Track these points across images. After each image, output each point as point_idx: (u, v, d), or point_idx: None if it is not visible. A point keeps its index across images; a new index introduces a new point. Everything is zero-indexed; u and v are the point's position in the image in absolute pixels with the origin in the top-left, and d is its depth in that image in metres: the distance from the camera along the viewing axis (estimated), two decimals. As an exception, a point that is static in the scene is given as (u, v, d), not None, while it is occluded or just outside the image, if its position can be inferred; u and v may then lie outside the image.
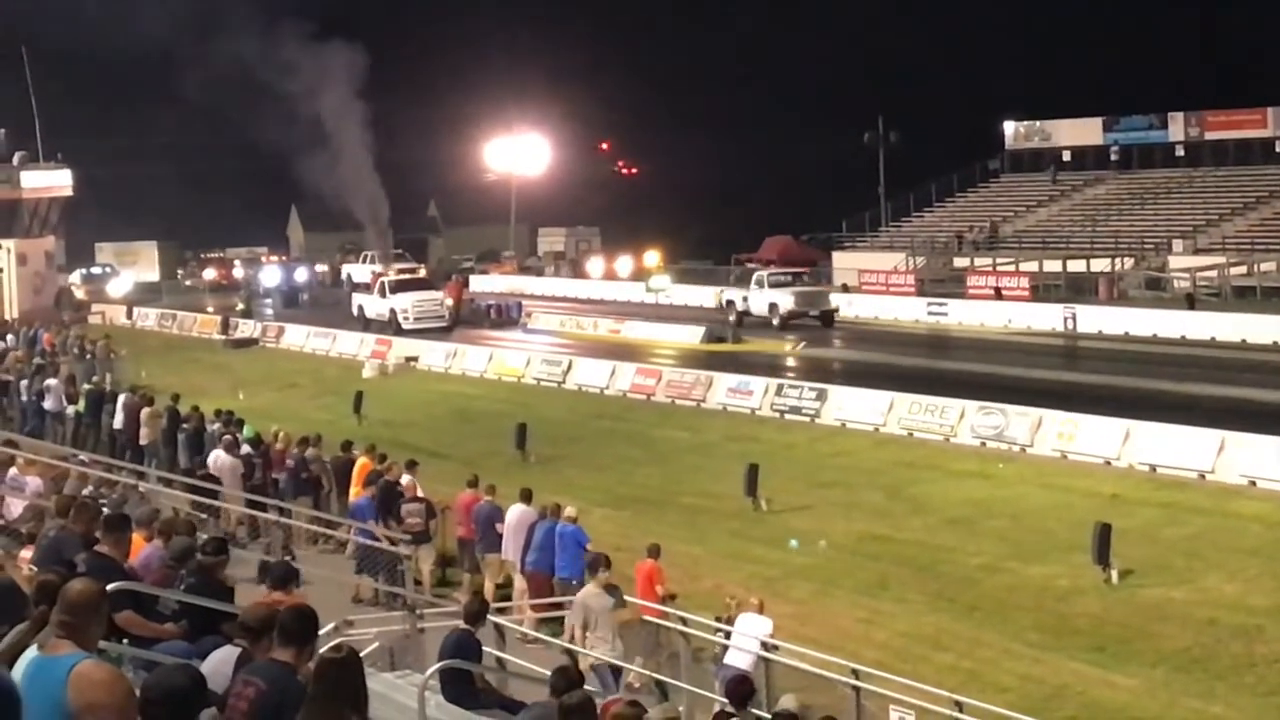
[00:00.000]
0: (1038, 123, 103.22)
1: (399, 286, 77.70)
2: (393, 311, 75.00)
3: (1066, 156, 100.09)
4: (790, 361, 59.76)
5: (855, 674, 20.23)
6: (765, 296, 71.30)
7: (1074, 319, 65.25)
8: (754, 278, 74.66)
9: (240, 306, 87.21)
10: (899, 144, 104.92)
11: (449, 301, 77.92)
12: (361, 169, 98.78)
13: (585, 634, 20.80)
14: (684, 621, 22.90)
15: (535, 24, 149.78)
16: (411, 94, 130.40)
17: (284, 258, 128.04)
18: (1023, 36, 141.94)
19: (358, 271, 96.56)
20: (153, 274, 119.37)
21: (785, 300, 70.39)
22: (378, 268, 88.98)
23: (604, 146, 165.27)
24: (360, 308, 78.71)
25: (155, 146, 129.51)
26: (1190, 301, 67.28)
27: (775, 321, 69.50)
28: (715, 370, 52.36)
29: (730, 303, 73.72)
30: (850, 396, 45.94)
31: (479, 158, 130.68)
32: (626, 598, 23.22)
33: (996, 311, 70.43)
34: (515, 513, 27.96)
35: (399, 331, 72.07)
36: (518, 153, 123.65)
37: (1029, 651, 25.42)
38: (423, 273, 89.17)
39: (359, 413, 49.89)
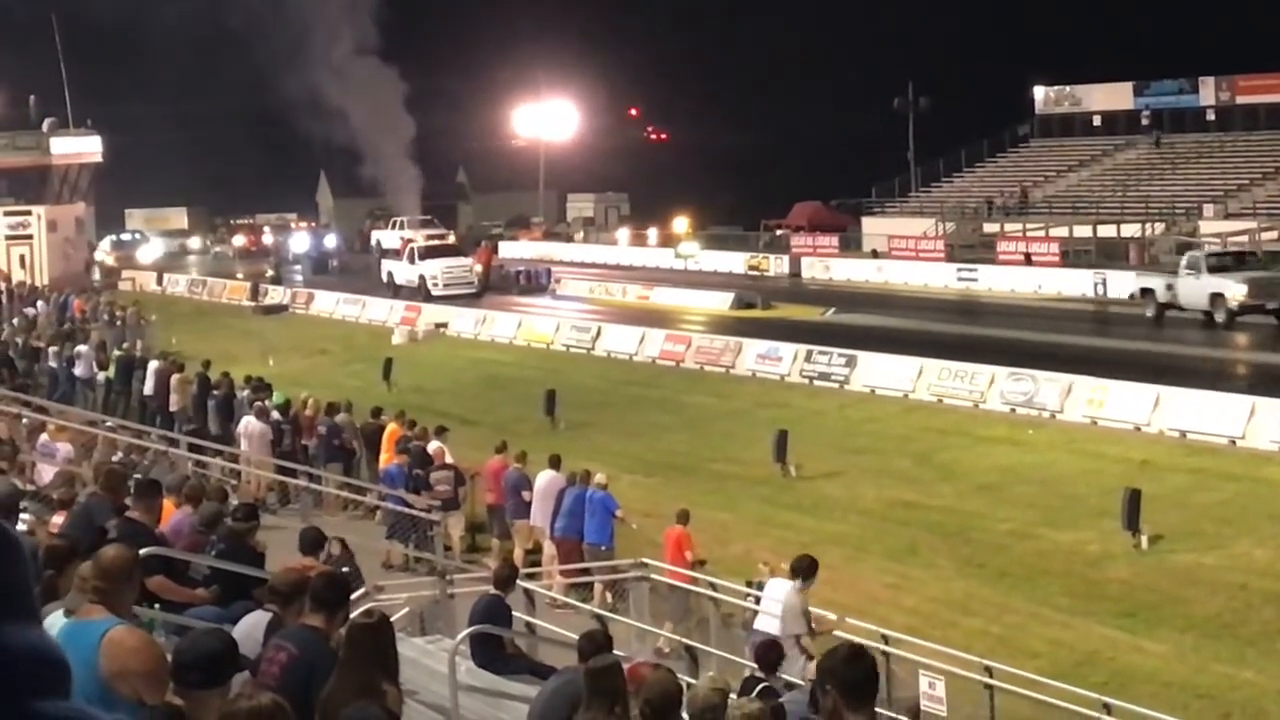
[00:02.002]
0: (1068, 87, 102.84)
1: (428, 253, 77.76)
2: (422, 278, 74.94)
3: (1097, 121, 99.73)
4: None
5: (885, 639, 20.25)
6: (1203, 285, 53.39)
7: (1104, 284, 65.06)
8: (1185, 259, 56.28)
9: (270, 273, 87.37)
10: (929, 109, 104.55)
11: (478, 267, 77.85)
12: (396, 133, 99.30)
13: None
14: (713, 587, 22.94)
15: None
16: (440, 61, 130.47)
17: (313, 224, 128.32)
18: (1053, 1, 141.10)
19: (387, 237, 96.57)
20: (167, 241, 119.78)
21: (1234, 289, 52.35)
22: (407, 233, 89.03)
23: (633, 112, 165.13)
24: (390, 274, 78.54)
25: (185, 113, 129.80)
26: (1221, 267, 66.84)
27: (1219, 317, 52.59)
28: (744, 336, 52.35)
29: (1147, 291, 56.94)
30: (880, 362, 45.87)
31: (508, 124, 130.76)
32: (653, 562, 23.27)
33: (1027, 277, 70.22)
34: (544, 479, 28.03)
35: (428, 298, 72.17)
36: (546, 118, 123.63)
37: (1059, 617, 25.42)
38: (451, 239, 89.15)
39: (389, 379, 49.94)
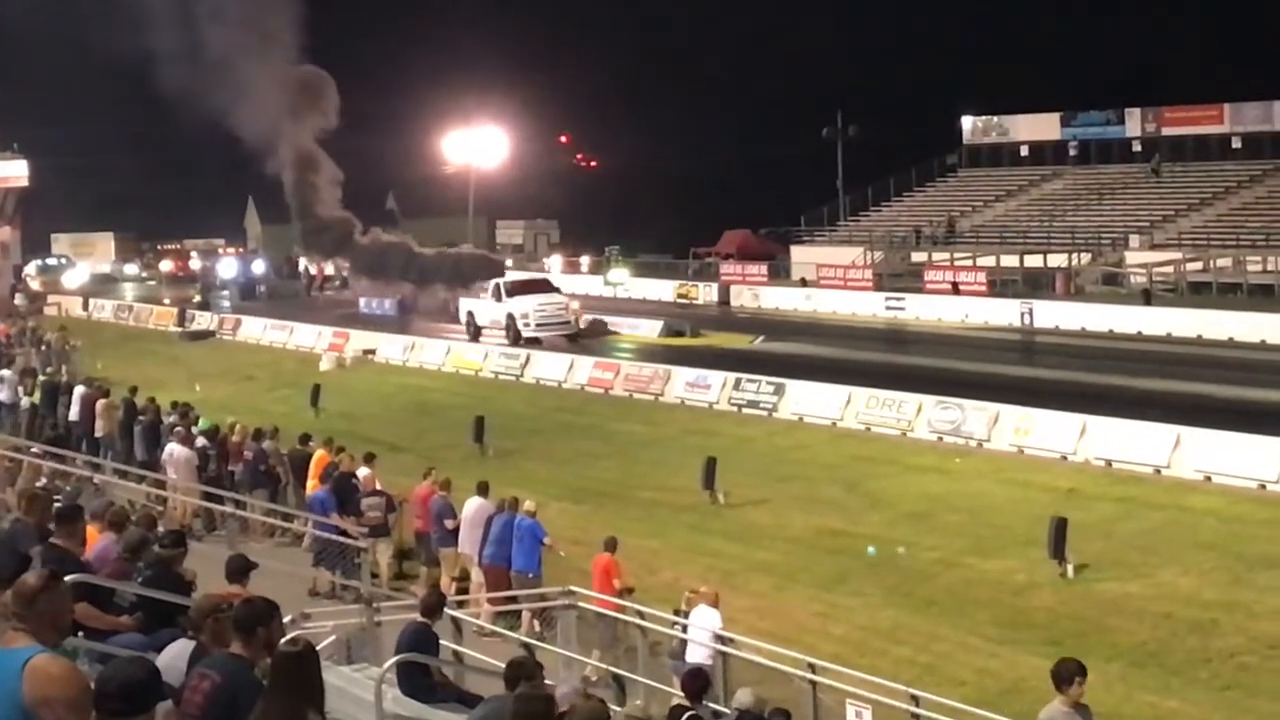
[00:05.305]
0: (995, 118, 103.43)
1: (517, 289, 68.39)
2: (510, 317, 65.89)
3: (1024, 151, 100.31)
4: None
5: (812, 668, 20.21)
6: None
7: (1031, 314, 65.45)
8: None
9: (197, 298, 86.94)
10: (857, 138, 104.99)
11: (575, 305, 68.84)
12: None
13: None
14: (641, 615, 22.89)
15: (493, 15, 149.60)
16: (369, 86, 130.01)
17: (241, 250, 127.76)
18: (980, 31, 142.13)
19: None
20: (108, 265, 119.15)
21: None
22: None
23: (563, 139, 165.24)
24: (470, 314, 69.17)
25: (112, 137, 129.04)
26: (1147, 297, 67.50)
27: None
28: (673, 364, 52.38)
29: None
30: (808, 391, 45.94)
31: (437, 149, 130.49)
32: (581, 590, 23.21)
33: (954, 306, 70.62)
34: (472, 506, 27.89)
35: (517, 340, 64.45)
36: (476, 145, 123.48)
37: (985, 645, 25.47)
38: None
39: (316, 405, 49.72)
